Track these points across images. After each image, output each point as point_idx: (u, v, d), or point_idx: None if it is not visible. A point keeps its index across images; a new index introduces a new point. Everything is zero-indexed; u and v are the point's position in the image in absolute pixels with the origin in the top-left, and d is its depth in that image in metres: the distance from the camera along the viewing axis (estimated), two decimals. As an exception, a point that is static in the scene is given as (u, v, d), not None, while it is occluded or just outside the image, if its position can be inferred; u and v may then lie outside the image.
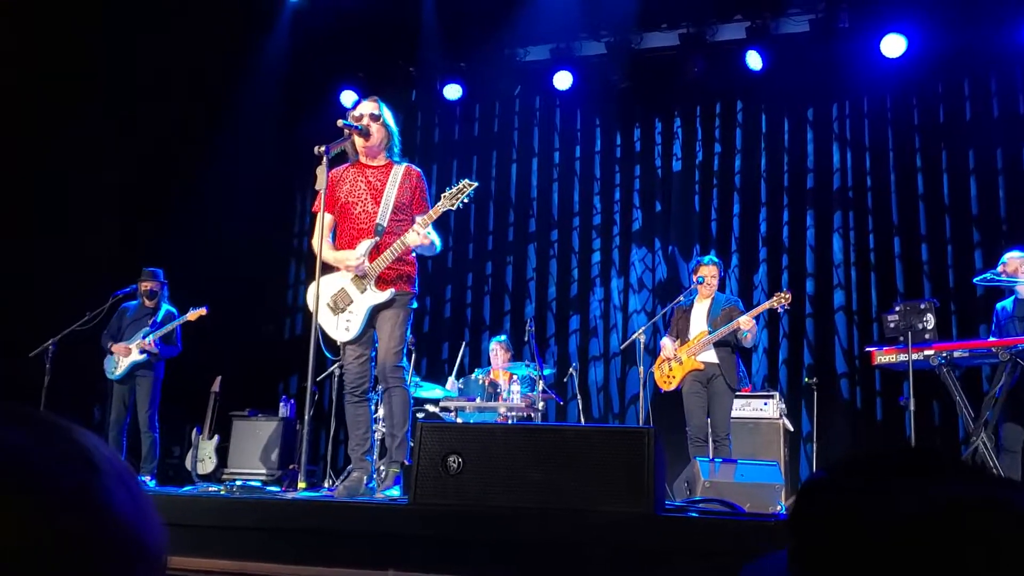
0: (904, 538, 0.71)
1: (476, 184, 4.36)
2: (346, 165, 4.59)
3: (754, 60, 8.11)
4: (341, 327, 4.38)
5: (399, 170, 4.50)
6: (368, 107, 4.51)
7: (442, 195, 4.38)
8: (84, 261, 7.69)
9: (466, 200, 4.35)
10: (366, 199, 4.44)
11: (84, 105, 7.90)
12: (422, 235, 4.26)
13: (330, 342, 4.43)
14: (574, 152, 9.18)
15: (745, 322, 5.91)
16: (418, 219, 4.33)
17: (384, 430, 4.71)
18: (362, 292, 4.36)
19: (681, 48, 8.38)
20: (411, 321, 4.51)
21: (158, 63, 8.14)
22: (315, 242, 4.46)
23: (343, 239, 4.47)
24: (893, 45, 7.69)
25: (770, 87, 8.39)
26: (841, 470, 0.81)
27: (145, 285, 6.98)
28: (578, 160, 9.14)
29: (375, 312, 4.40)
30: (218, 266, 8.54)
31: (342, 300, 4.38)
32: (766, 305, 6.14)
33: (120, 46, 7.95)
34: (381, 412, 5.95)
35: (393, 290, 4.36)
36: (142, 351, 6.75)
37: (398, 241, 4.31)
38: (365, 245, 4.38)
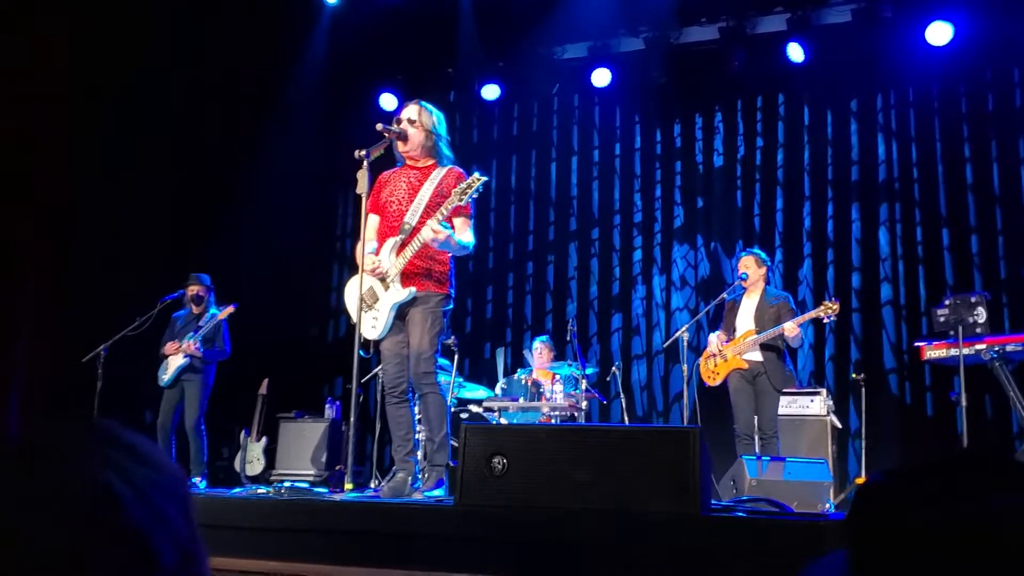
0: (967, 545, 0.70)
1: (485, 178, 4.21)
2: (396, 168, 4.63)
3: (795, 52, 8.00)
4: (369, 325, 4.39)
5: (441, 171, 4.49)
6: (407, 111, 4.54)
7: (452, 191, 4.31)
8: (133, 266, 7.83)
9: (475, 195, 4.23)
10: (402, 198, 4.46)
11: (127, 114, 8.04)
12: (436, 230, 4.15)
13: (364, 341, 4.46)
14: (614, 150, 9.13)
15: (790, 329, 5.82)
16: (430, 221, 4.23)
17: (424, 433, 4.73)
18: (386, 289, 4.38)
19: (721, 42, 8.29)
20: (445, 324, 4.44)
21: (201, 71, 8.26)
22: (358, 244, 4.50)
23: (379, 238, 4.51)
24: (939, 33, 7.53)
25: (812, 79, 8.27)
26: (899, 475, 0.80)
27: (192, 289, 7.10)
28: (618, 158, 9.10)
29: (403, 311, 4.39)
30: (262, 269, 8.65)
31: (370, 298, 4.40)
32: (812, 314, 6.00)
33: (163, 55, 8.08)
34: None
35: (414, 288, 4.32)
36: (186, 355, 6.86)
37: (417, 237, 4.29)
38: (390, 243, 4.40)
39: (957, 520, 0.72)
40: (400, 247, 4.36)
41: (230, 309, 6.98)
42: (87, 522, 0.68)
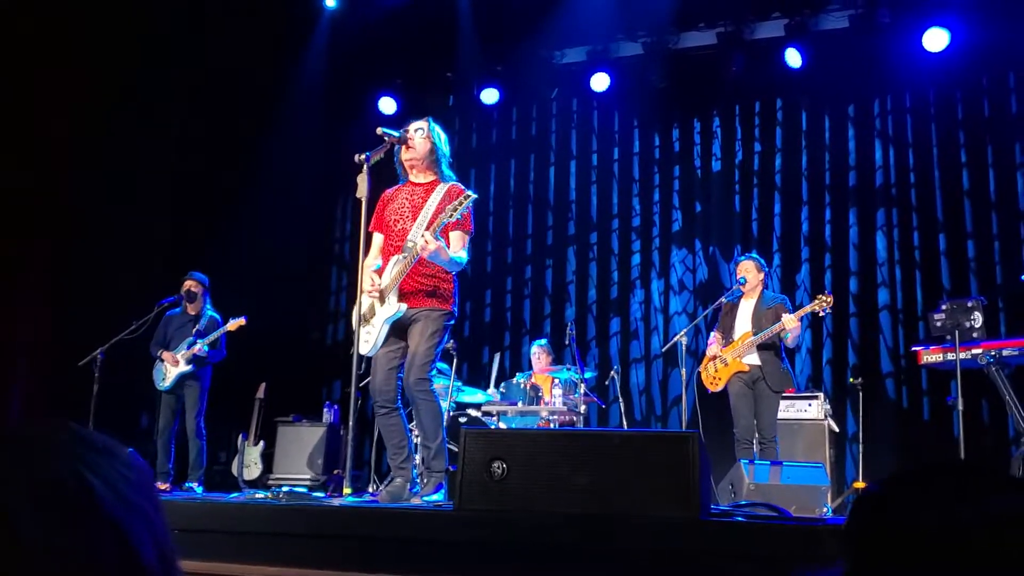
0: (966, 549, 0.71)
1: (475, 196, 4.26)
2: (398, 185, 4.64)
3: (793, 57, 8.03)
4: (363, 339, 4.41)
5: (443, 188, 4.50)
6: (418, 123, 4.56)
7: (445, 208, 4.31)
8: (132, 269, 7.83)
9: (464, 211, 4.25)
10: (406, 216, 4.47)
11: (127, 115, 8.04)
12: (428, 239, 4.13)
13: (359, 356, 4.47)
14: (612, 154, 9.15)
15: (789, 321, 5.85)
16: (425, 232, 4.23)
17: (420, 441, 4.74)
18: (382, 305, 4.39)
19: (719, 47, 8.32)
20: (443, 338, 4.44)
21: (201, 74, 8.27)
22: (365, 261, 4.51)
23: (384, 256, 4.52)
24: (935, 39, 7.57)
25: (810, 84, 8.30)
26: (895, 483, 0.81)
27: (186, 284, 7.06)
28: (616, 162, 9.12)
29: (402, 325, 4.40)
30: (261, 274, 8.65)
31: (369, 313, 4.43)
32: (808, 308, 6.04)
33: (164, 58, 8.09)
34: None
35: (406, 305, 4.33)
36: (189, 360, 6.84)
37: (414, 251, 4.28)
38: (393, 261, 4.41)
39: (955, 525, 0.72)
40: (404, 264, 4.37)
41: (241, 322, 6.94)
42: (64, 510, 0.68)
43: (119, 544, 0.70)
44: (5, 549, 0.66)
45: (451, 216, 4.19)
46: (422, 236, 4.17)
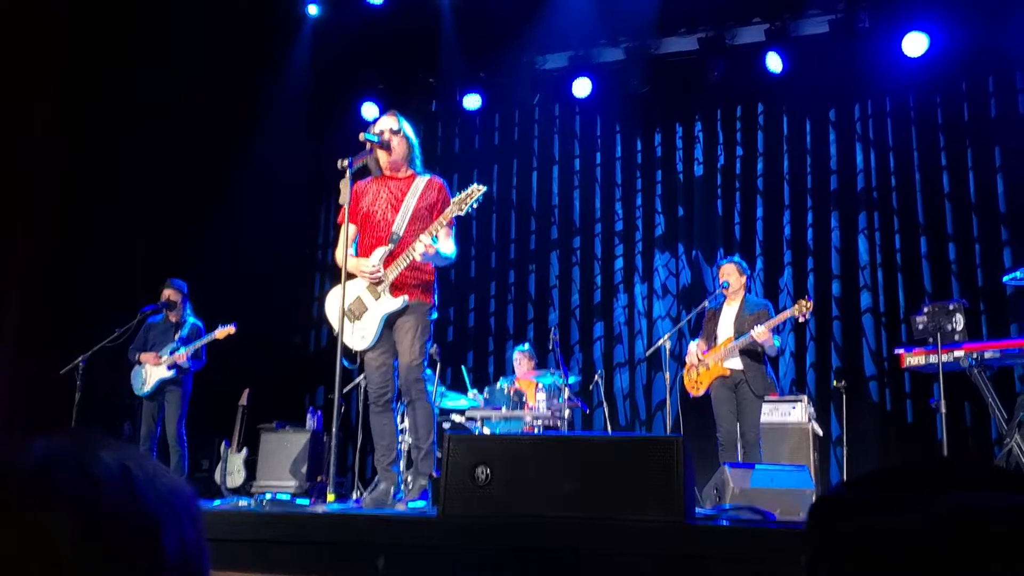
0: (909, 552, 0.70)
1: (484, 188, 4.29)
2: (370, 178, 4.63)
3: (774, 62, 8.07)
4: (357, 335, 4.40)
5: (422, 181, 4.52)
6: (387, 122, 4.56)
7: (451, 201, 4.36)
8: (113, 278, 7.77)
9: (475, 204, 4.29)
10: (386, 208, 4.47)
11: (107, 123, 7.99)
12: (428, 244, 4.21)
13: (348, 351, 4.45)
14: (595, 159, 9.17)
15: (760, 334, 5.83)
16: (422, 236, 4.27)
17: (410, 441, 4.72)
18: (376, 299, 4.38)
19: (700, 52, 8.36)
20: (431, 332, 4.48)
21: (183, 80, 8.23)
22: (339, 253, 4.48)
23: (363, 248, 4.51)
24: (915, 44, 7.62)
25: (791, 89, 8.35)
26: (856, 485, 0.80)
27: (165, 293, 7.00)
28: (599, 167, 9.14)
29: (391, 320, 4.40)
30: (244, 280, 8.61)
31: (358, 308, 4.41)
32: (786, 314, 6.03)
33: (147, 64, 8.04)
34: (407, 422, 5.96)
35: (406, 297, 4.35)
36: (171, 367, 6.79)
37: (408, 249, 4.31)
38: (379, 252, 4.40)
39: (901, 527, 0.72)
40: (390, 258, 4.36)
41: (230, 330, 6.87)
42: (101, 487, 0.70)
43: (146, 534, 0.71)
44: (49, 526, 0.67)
45: (460, 210, 4.25)
46: (420, 241, 4.21)
